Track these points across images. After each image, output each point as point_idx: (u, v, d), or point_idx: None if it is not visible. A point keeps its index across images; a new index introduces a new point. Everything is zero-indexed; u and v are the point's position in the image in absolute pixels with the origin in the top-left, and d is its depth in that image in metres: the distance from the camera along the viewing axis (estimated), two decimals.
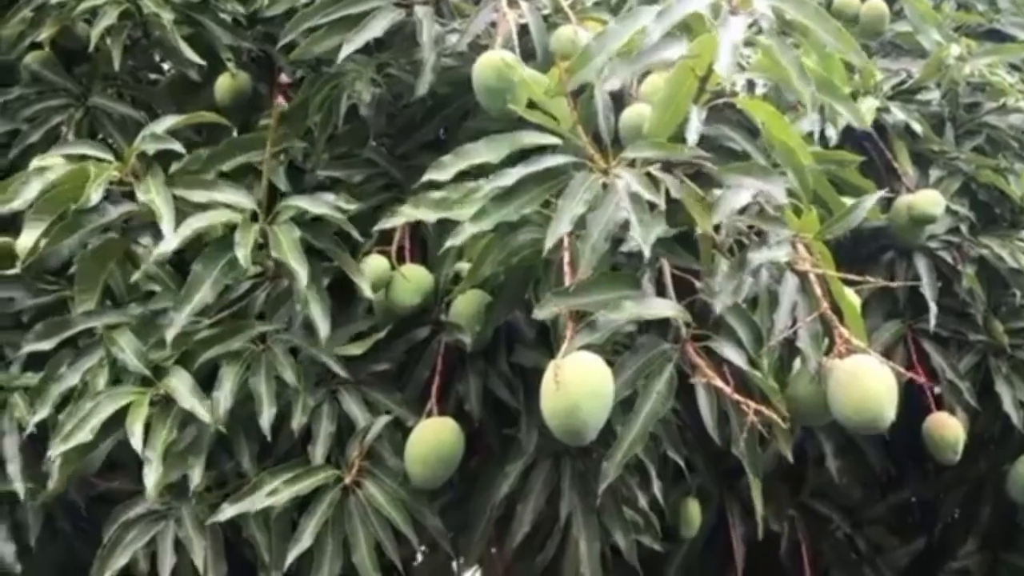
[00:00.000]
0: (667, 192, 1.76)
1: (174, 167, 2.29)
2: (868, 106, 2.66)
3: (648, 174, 1.75)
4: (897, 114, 2.70)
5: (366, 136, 2.45)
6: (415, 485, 2.06)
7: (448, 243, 1.74)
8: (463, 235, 1.71)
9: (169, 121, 2.20)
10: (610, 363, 1.73)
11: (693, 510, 2.56)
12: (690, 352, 1.77)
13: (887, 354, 2.64)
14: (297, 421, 2.06)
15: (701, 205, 1.76)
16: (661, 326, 1.86)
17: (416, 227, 2.28)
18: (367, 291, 2.11)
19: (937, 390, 2.53)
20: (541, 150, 1.80)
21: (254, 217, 2.13)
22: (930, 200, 2.57)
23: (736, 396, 1.68)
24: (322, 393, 2.14)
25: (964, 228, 2.69)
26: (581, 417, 1.61)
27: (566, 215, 1.66)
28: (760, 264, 1.84)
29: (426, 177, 1.78)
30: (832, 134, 2.57)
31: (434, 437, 2.05)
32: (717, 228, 1.83)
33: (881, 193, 2.03)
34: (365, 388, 2.17)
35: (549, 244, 1.65)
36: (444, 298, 2.22)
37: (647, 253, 1.63)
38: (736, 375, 1.81)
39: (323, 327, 2.07)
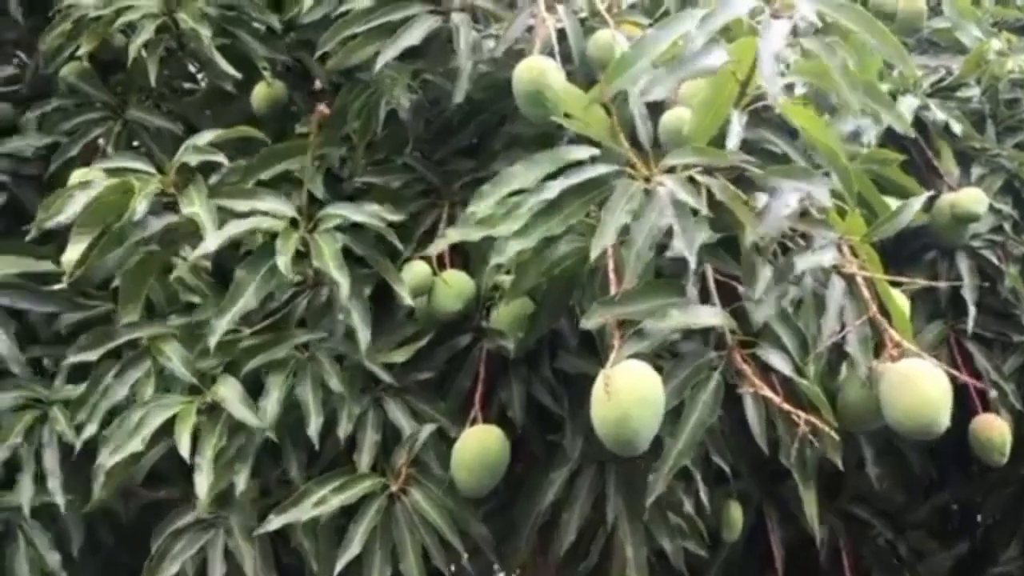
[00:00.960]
0: (709, 196, 1.75)
1: (213, 178, 2.32)
2: (908, 105, 2.63)
3: (691, 179, 1.74)
4: (937, 112, 2.66)
5: (404, 142, 2.45)
6: (462, 493, 2.06)
7: (493, 261, 1.74)
8: (508, 252, 1.71)
9: (210, 135, 2.21)
10: (656, 369, 1.72)
11: (735, 514, 2.54)
12: (736, 360, 1.76)
13: (931, 355, 2.61)
14: (343, 429, 2.07)
15: (747, 209, 1.75)
16: (705, 332, 1.85)
17: None
18: (407, 299, 2.11)
19: (992, 393, 2.48)
20: (580, 163, 1.80)
21: (295, 224, 2.14)
22: (973, 198, 2.53)
23: (786, 406, 1.66)
24: (367, 401, 2.15)
25: (1007, 226, 2.64)
26: (632, 426, 1.60)
27: (611, 226, 1.65)
28: (805, 269, 1.83)
29: (469, 210, 1.77)
30: (872, 135, 2.54)
31: (479, 445, 2.05)
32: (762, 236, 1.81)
33: (928, 194, 2.01)
34: (409, 396, 2.18)
35: (594, 255, 1.64)
36: (486, 304, 2.21)
37: (692, 262, 1.62)
38: (783, 382, 1.79)
39: (364, 336, 2.08)
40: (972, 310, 2.55)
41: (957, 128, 2.65)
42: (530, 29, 2.17)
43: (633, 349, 1.66)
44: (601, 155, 1.80)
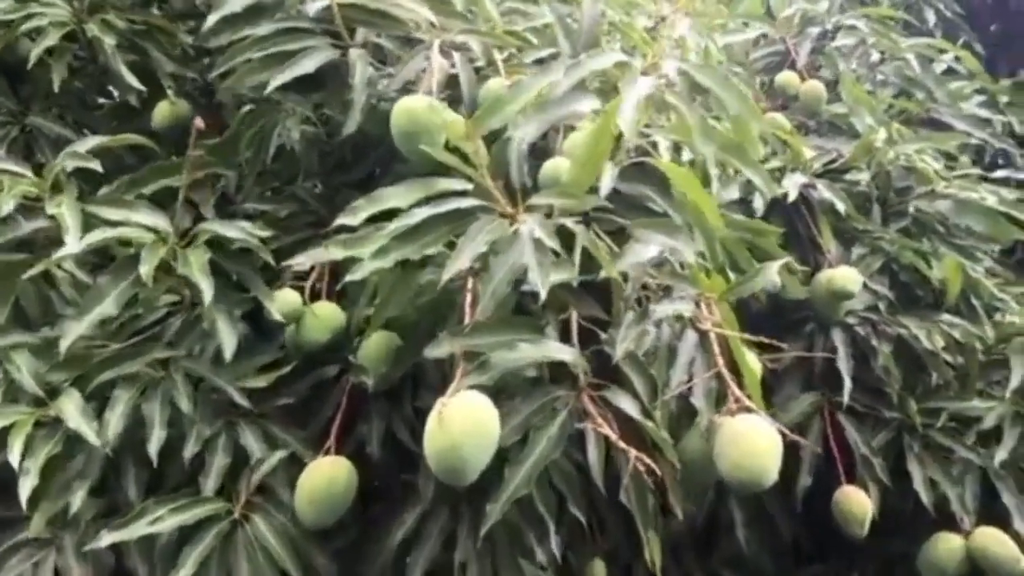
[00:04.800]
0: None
1: (104, 190, 2.30)
2: (794, 181, 2.72)
3: (561, 226, 1.77)
4: (823, 192, 2.75)
5: (297, 172, 2.46)
6: (304, 524, 2.01)
7: (348, 278, 1.75)
8: (363, 271, 1.72)
9: (93, 141, 2.21)
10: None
11: (599, 571, 2.51)
12: (584, 400, 1.78)
13: (803, 424, 2.66)
14: (189, 450, 2.02)
15: (606, 254, 1.79)
16: (566, 374, 1.87)
17: (336, 266, 2.27)
18: (276, 315, 2.10)
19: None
20: (456, 195, 1.83)
21: (165, 239, 2.12)
22: (847, 277, 2.60)
23: (621, 444, 1.67)
24: (219, 424, 2.10)
25: (882, 306, 2.71)
26: (461, 455, 1.60)
27: (465, 253, 1.68)
28: (662, 316, 1.86)
29: (338, 221, 1.79)
30: (760, 203, 2.62)
31: (325, 476, 2.01)
32: (625, 279, 1.85)
33: (786, 259, 2.08)
34: (265, 422, 2.13)
35: (445, 278, 1.67)
36: (356, 338, 2.20)
37: (543, 296, 1.64)
38: (631, 426, 1.81)
39: (229, 344, 2.05)
40: (848, 383, 2.60)
41: (841, 208, 2.74)
42: (425, 70, 2.21)
43: (474, 380, 1.67)
44: (472, 190, 1.84)
